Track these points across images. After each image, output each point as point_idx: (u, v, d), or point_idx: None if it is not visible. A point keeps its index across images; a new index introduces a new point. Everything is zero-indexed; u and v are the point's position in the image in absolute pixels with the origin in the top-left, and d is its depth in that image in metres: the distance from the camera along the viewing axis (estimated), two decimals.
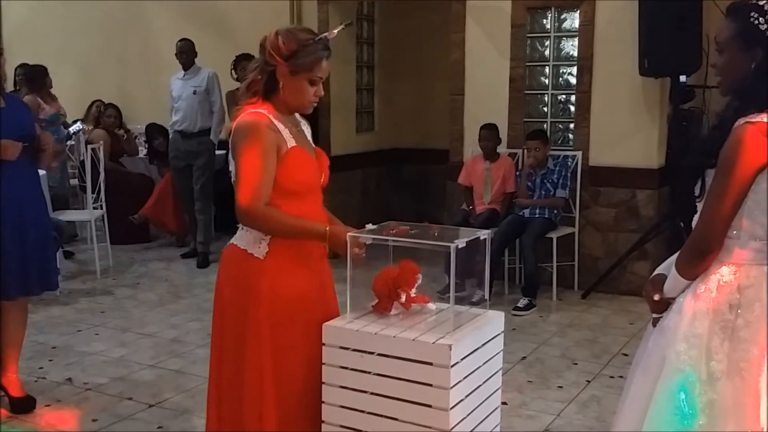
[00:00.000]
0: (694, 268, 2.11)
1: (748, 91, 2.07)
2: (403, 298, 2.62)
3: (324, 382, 2.56)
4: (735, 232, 2.06)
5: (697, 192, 2.15)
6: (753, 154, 1.99)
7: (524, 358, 4.55)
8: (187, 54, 6.84)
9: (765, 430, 1.98)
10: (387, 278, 2.61)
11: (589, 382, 4.19)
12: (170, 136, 7.14)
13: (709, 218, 2.06)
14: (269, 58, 2.53)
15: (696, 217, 2.14)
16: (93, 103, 8.31)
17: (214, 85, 6.89)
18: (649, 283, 2.28)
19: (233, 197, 2.45)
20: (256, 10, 7.93)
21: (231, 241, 2.60)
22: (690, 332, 2.06)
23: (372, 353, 2.47)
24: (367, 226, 2.61)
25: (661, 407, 2.07)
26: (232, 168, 2.52)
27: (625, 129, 5.84)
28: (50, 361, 4.41)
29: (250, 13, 7.95)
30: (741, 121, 2.01)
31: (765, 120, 1.99)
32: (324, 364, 2.55)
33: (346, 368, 2.52)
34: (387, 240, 2.57)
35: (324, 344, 2.54)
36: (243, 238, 2.54)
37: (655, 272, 2.31)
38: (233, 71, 6.79)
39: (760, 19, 2.05)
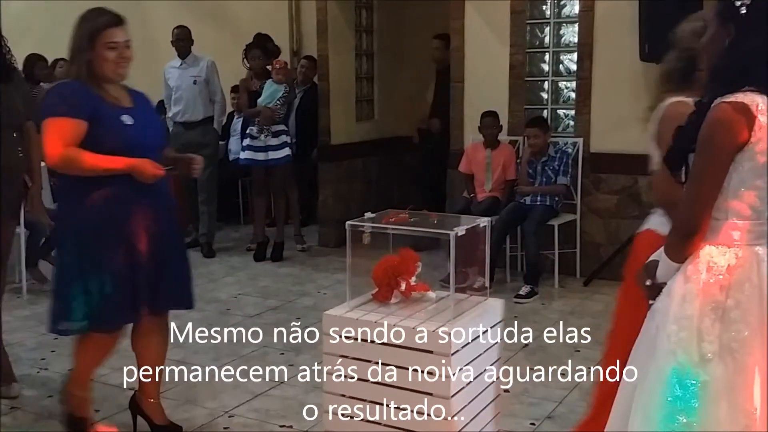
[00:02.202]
0: (681, 251, 2.10)
1: (719, 68, 2.08)
2: (403, 286, 2.62)
3: (325, 371, 2.56)
4: (722, 212, 2.05)
5: (683, 179, 2.15)
6: (729, 133, 1.98)
7: (526, 345, 4.54)
8: (184, 41, 6.80)
9: (758, 409, 1.98)
10: (387, 267, 2.61)
11: (591, 369, 4.18)
12: (171, 129, 7.09)
13: (690, 200, 2.05)
14: (691, 44, 2.53)
15: None
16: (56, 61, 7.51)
17: (213, 74, 6.86)
18: (642, 270, 2.28)
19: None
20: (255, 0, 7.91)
21: (648, 227, 2.62)
22: (680, 314, 2.06)
23: (373, 342, 2.47)
24: (366, 214, 2.62)
25: (652, 390, 2.07)
26: (655, 157, 2.53)
27: (627, 115, 5.79)
28: (52, 352, 4.41)
29: (249, 2, 7.92)
30: (717, 101, 2.01)
31: (740, 99, 1.98)
32: (324, 353, 2.56)
33: (347, 357, 2.52)
34: (386, 228, 2.57)
35: (324, 333, 2.54)
36: (665, 225, 2.50)
37: (649, 259, 2.30)
38: (245, 60, 6.75)
39: None
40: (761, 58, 2.02)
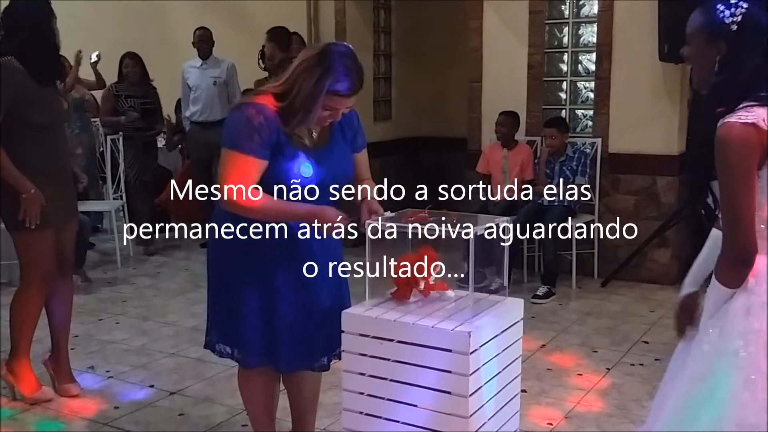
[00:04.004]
0: (740, 276, 2.04)
1: (719, 87, 2.05)
2: (422, 285, 2.63)
3: (344, 370, 2.57)
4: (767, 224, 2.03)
5: (714, 206, 2.12)
6: (742, 147, 1.95)
7: (544, 345, 4.54)
8: (206, 43, 6.86)
9: None
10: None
11: (609, 369, 4.18)
12: (188, 129, 7.12)
13: (732, 227, 2.00)
14: None
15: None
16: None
17: (233, 77, 6.90)
18: (682, 309, 2.22)
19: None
20: (273, 1, 7.94)
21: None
22: (746, 328, 2.01)
23: (391, 340, 2.47)
24: (385, 213, 2.63)
25: (720, 409, 2.00)
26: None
27: (645, 115, 5.80)
28: (72, 349, 4.43)
29: (268, 4, 7.95)
30: (721, 121, 1.98)
31: (743, 114, 1.96)
32: (343, 351, 2.57)
33: (366, 355, 2.53)
34: (406, 227, 2.57)
35: (343, 331, 2.55)
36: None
37: (684, 290, 2.24)
38: (260, 61, 6.76)
39: (726, 12, 2.04)
40: (763, 74, 2.00)
